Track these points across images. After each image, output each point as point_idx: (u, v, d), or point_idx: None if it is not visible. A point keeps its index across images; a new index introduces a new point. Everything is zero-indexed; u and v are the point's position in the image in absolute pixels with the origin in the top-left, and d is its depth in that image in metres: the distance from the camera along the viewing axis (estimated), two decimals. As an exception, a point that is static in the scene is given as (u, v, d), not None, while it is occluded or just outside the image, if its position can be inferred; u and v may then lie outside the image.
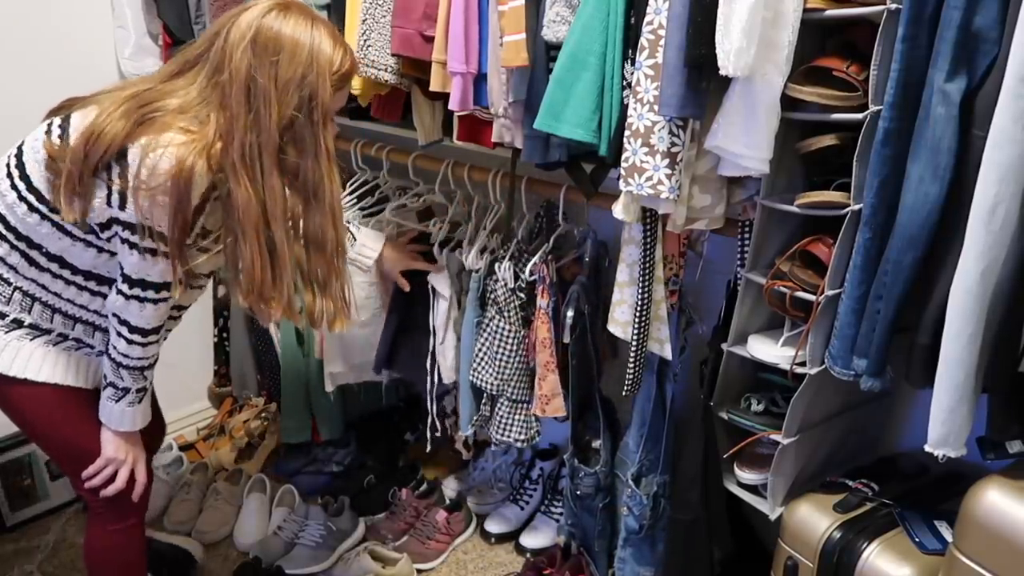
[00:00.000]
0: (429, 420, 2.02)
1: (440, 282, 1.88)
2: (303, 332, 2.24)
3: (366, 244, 1.80)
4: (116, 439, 1.46)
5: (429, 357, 1.94)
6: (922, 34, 1.08)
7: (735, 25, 1.07)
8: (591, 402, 1.83)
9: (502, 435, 1.86)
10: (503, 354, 1.79)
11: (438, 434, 2.06)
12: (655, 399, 1.67)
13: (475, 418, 1.91)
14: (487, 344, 1.81)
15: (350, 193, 2.09)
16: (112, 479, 1.48)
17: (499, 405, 1.86)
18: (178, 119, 1.26)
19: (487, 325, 1.81)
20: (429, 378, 1.96)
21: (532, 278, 1.75)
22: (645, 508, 1.68)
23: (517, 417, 1.85)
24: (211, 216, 1.32)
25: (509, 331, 1.78)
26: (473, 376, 1.86)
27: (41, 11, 2.13)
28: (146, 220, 1.26)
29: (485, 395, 1.88)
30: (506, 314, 1.78)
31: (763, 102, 1.16)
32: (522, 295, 1.78)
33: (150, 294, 1.34)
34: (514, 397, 1.83)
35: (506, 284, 1.76)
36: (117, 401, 1.43)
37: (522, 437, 1.86)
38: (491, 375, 1.82)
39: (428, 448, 2.08)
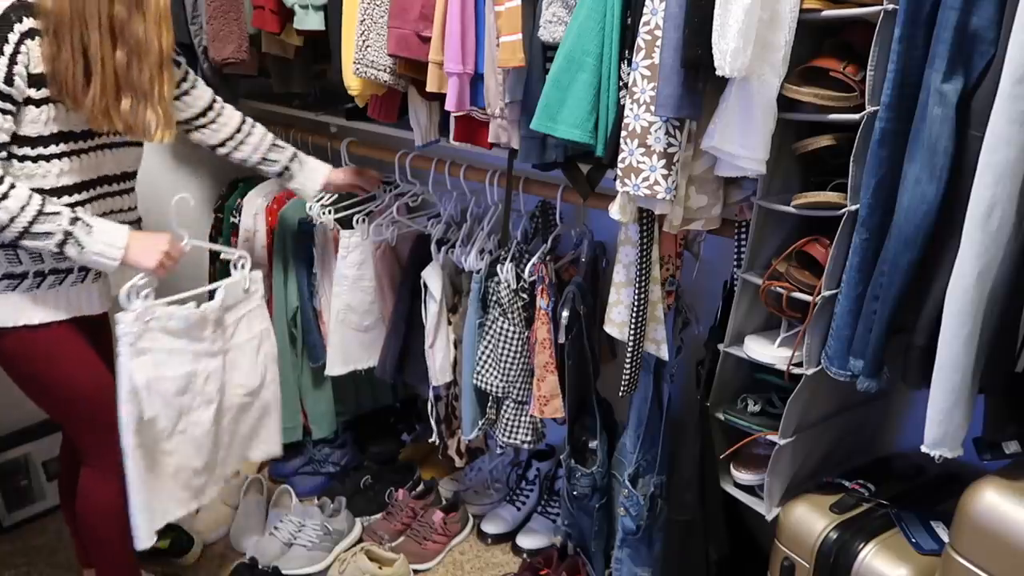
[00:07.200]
0: (434, 423, 2.03)
1: (432, 279, 1.87)
2: (296, 333, 2.24)
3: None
4: (131, 256, 1.45)
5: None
6: (919, 35, 1.08)
7: (732, 26, 1.07)
8: (587, 403, 1.83)
9: (509, 438, 1.86)
10: (508, 356, 1.79)
11: (433, 439, 2.07)
12: (652, 400, 1.67)
13: (481, 422, 1.91)
14: (491, 346, 1.81)
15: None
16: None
17: (504, 408, 1.85)
18: None
19: (490, 327, 1.80)
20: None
21: (532, 279, 1.75)
22: (642, 509, 1.68)
23: (524, 419, 1.84)
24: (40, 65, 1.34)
25: (513, 332, 1.78)
26: (477, 379, 1.85)
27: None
28: None
29: (490, 398, 1.88)
30: (510, 315, 1.77)
31: (760, 103, 1.16)
32: (525, 296, 1.77)
33: None
34: (520, 399, 1.82)
35: (509, 285, 1.75)
36: (76, 268, 1.46)
37: (529, 439, 1.85)
38: (496, 377, 1.81)
39: (437, 444, 2.09)
